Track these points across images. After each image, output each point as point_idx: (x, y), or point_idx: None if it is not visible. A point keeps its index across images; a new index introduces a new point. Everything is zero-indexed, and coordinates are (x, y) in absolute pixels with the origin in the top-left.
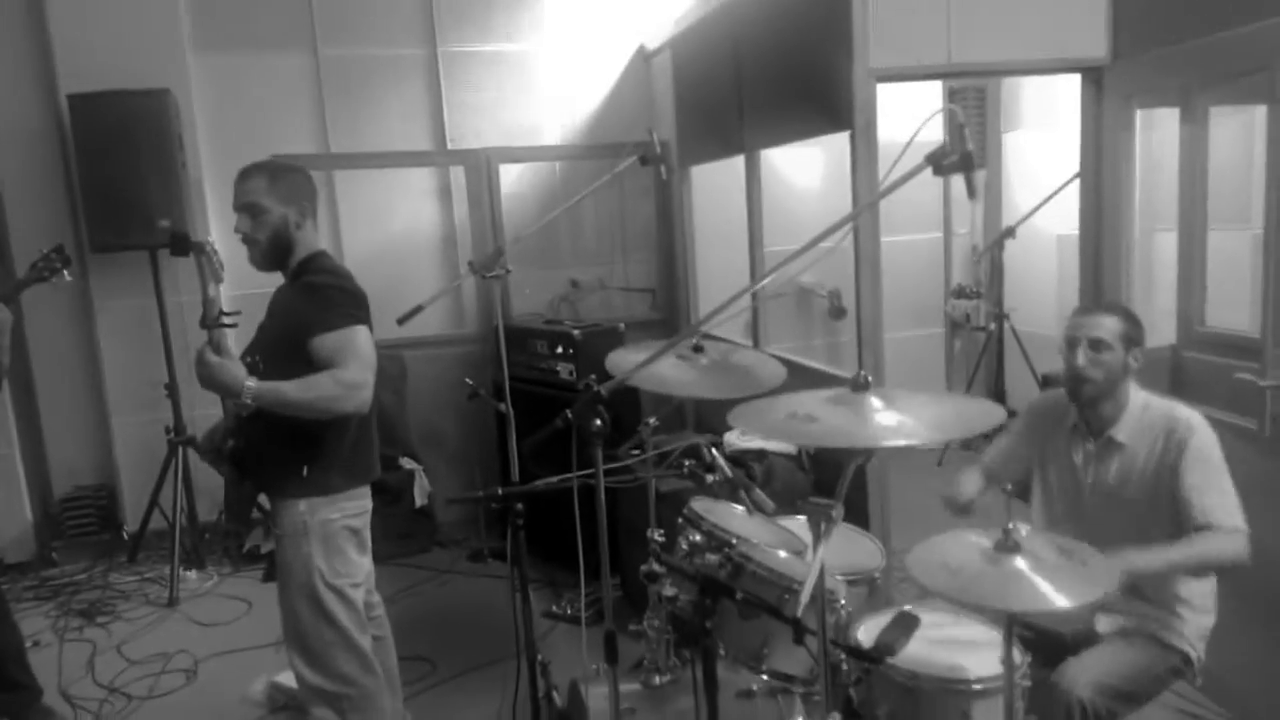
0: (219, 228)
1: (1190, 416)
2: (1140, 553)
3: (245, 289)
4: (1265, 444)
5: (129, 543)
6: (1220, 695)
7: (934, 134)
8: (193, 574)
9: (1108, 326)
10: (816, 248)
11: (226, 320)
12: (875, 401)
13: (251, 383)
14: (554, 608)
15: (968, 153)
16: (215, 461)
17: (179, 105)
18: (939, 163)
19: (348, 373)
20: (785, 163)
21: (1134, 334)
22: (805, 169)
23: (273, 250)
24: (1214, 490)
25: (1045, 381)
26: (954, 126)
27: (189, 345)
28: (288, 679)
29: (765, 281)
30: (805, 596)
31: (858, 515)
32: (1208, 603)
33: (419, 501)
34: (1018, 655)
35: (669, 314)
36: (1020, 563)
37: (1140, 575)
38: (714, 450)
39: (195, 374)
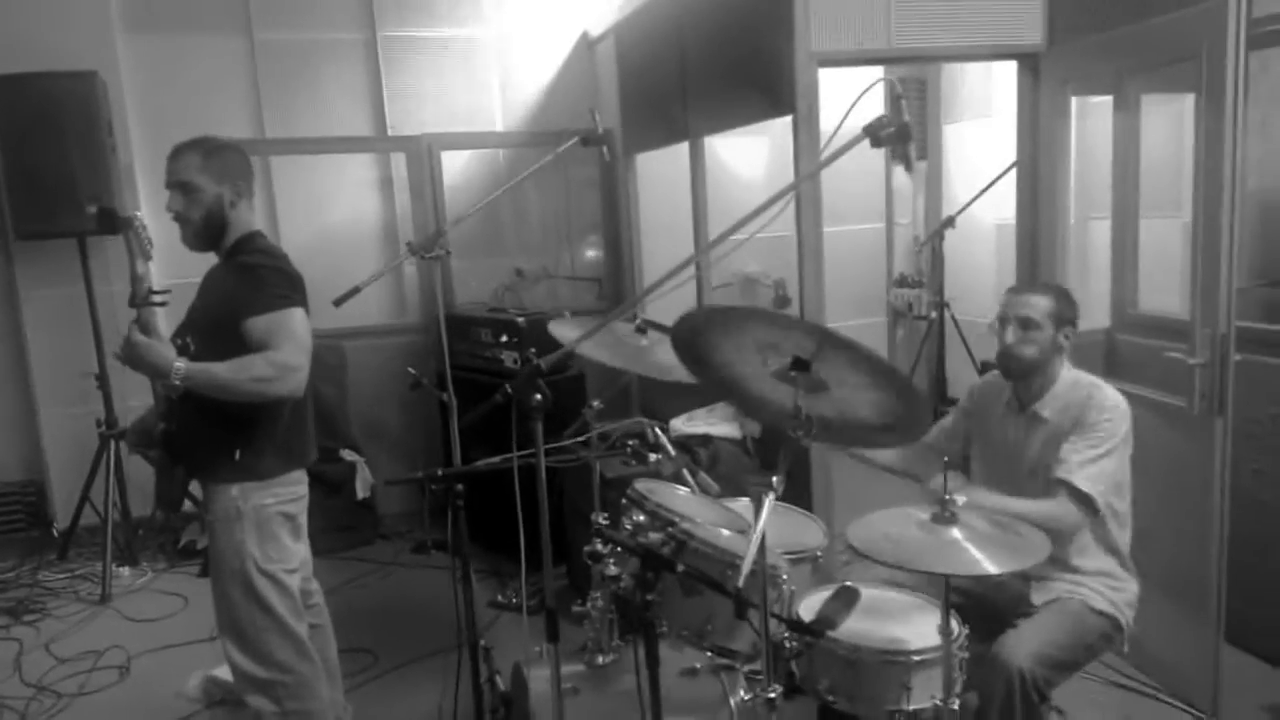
0: (150, 213)
1: (1105, 399)
2: (989, 495)
3: (178, 277)
4: (1195, 421)
5: (59, 540)
6: (1146, 665)
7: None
8: (126, 570)
9: (1037, 305)
10: (760, 221)
11: (156, 299)
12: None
13: (181, 364)
14: (499, 597)
15: (904, 124)
16: (145, 449)
17: (108, 88)
18: (877, 134)
19: (282, 355)
20: (730, 154)
21: (1065, 312)
22: (749, 160)
23: (206, 230)
24: (1088, 456)
25: (985, 369)
26: (892, 98)
27: (120, 334)
28: (224, 673)
29: (711, 248)
30: (746, 568)
31: (802, 499)
32: (1124, 572)
33: (361, 494)
34: (955, 626)
35: (615, 304)
36: (956, 533)
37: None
38: (658, 430)
39: (121, 354)
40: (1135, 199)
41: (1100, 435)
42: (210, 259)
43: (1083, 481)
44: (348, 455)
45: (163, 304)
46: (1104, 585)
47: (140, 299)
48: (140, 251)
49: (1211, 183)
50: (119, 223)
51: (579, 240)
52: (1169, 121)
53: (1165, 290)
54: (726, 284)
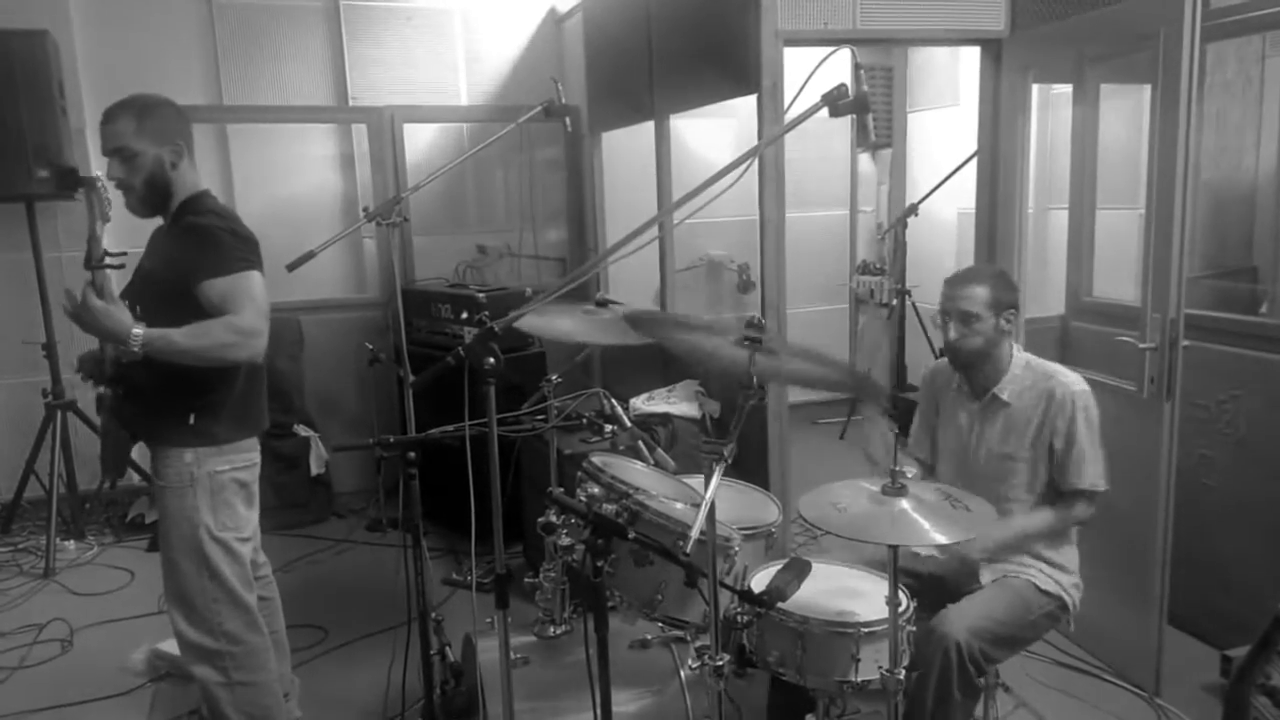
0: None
1: (1070, 383)
2: (1007, 524)
3: (126, 245)
4: (1144, 405)
5: (2, 513)
6: (1091, 645)
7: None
8: (71, 544)
9: (975, 297)
10: (724, 202)
11: (111, 262)
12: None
13: (139, 330)
14: (454, 575)
15: (862, 93)
16: (95, 376)
17: (59, 47)
18: (835, 103)
19: (242, 319)
20: (696, 139)
21: (1004, 298)
22: (716, 145)
23: (151, 194)
24: (1089, 458)
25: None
26: (851, 67)
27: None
28: (170, 646)
29: (675, 208)
30: (695, 532)
31: (758, 479)
32: (1071, 552)
33: (315, 470)
34: (904, 599)
35: (579, 284)
36: (905, 504)
37: (1011, 543)
38: (613, 401)
39: (75, 317)
40: (1093, 189)
41: (1088, 421)
42: (156, 222)
43: (1098, 483)
44: (302, 431)
45: (119, 266)
46: (1051, 566)
47: (95, 261)
48: (100, 213)
49: (1165, 172)
50: (81, 182)
51: (543, 220)
52: (1128, 115)
53: (1119, 280)
54: (692, 266)
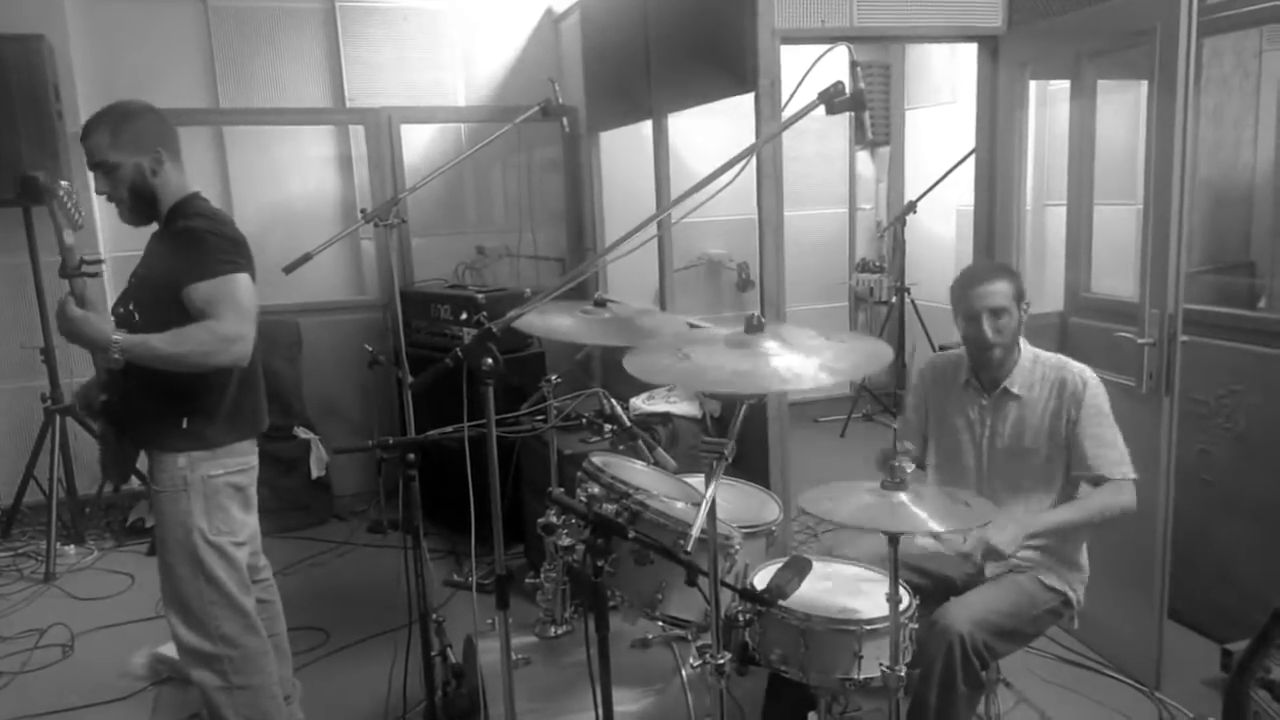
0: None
1: (1081, 370)
2: (1039, 517)
3: (123, 250)
4: (1143, 401)
5: (2, 518)
6: (1092, 640)
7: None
8: (71, 549)
9: (1003, 293)
10: (723, 201)
11: (88, 269)
12: (770, 344)
13: (119, 336)
14: (455, 576)
15: (859, 90)
16: (93, 418)
17: (54, 52)
18: (831, 100)
19: (223, 325)
20: (692, 138)
21: (1020, 288)
22: (712, 144)
23: (138, 203)
24: (1107, 443)
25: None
26: (848, 65)
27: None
28: (171, 650)
29: (672, 206)
30: (696, 531)
31: (760, 478)
32: (1082, 557)
33: (315, 472)
34: (905, 595)
35: (578, 283)
36: (904, 497)
37: (1043, 535)
38: (612, 400)
39: (56, 327)
40: (1091, 185)
41: (1100, 408)
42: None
43: (1125, 470)
44: (302, 433)
45: (94, 274)
46: (1057, 561)
47: (71, 269)
48: (68, 221)
49: (1162, 166)
50: (42, 192)
51: (542, 220)
52: (1125, 110)
53: (1118, 275)
54: (691, 265)
